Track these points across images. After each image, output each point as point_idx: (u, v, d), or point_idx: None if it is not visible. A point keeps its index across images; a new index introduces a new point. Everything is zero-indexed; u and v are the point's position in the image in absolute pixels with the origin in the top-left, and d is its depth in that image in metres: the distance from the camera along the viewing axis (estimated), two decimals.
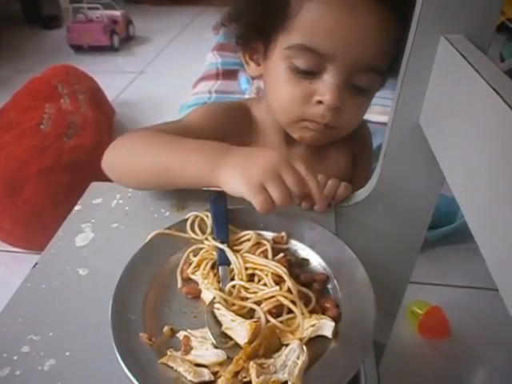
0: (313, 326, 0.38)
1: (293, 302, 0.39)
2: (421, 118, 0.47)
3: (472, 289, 0.99)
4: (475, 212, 0.34)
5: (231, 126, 0.63)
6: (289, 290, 0.39)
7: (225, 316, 0.39)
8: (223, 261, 0.43)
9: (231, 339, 0.38)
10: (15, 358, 0.37)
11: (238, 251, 0.44)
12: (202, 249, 0.46)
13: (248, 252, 0.44)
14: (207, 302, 0.41)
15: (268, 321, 0.38)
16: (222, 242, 0.45)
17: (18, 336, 0.39)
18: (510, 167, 0.28)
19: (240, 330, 0.37)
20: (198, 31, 2.61)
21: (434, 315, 0.89)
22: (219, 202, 0.50)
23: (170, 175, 0.48)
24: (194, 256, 0.45)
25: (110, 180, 0.56)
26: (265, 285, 0.41)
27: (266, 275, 0.41)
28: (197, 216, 0.50)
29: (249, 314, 0.40)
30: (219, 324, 0.39)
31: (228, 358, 0.36)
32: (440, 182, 0.52)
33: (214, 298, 0.40)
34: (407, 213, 0.56)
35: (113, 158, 0.53)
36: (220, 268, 0.43)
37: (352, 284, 0.42)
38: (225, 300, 0.40)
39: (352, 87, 0.54)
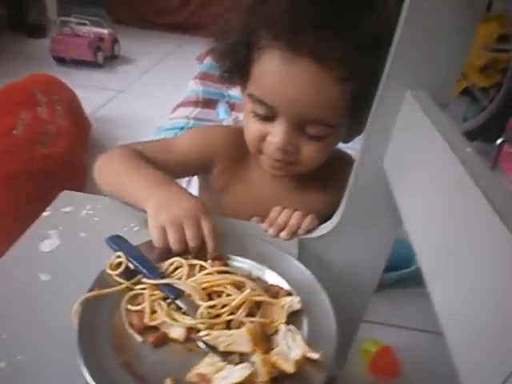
0: (282, 307, 0.43)
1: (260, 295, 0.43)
2: (385, 162, 0.50)
3: (422, 332, 1.02)
4: (429, 260, 0.35)
5: (221, 152, 0.69)
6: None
7: (218, 337, 0.39)
8: (175, 293, 0.43)
9: (233, 353, 0.39)
10: None
11: (179, 279, 0.44)
12: (138, 295, 0.43)
13: (189, 276, 0.44)
14: (179, 339, 0.40)
15: (251, 322, 0.41)
16: (162, 277, 0.44)
17: None
18: (465, 222, 0.30)
19: (240, 341, 0.39)
20: (183, 59, 2.66)
21: (385, 355, 0.91)
22: (122, 241, 0.48)
23: (123, 194, 0.57)
24: (135, 305, 0.42)
25: (80, 190, 0.57)
26: (228, 295, 0.43)
27: (225, 287, 0.43)
28: (111, 264, 0.46)
29: (224, 327, 0.41)
30: (215, 348, 0.39)
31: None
32: (398, 226, 0.55)
33: (199, 331, 0.40)
34: (365, 253, 0.59)
35: (96, 168, 0.62)
36: (178, 301, 0.42)
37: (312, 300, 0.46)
38: (204, 324, 0.40)
39: (306, 133, 0.59)
